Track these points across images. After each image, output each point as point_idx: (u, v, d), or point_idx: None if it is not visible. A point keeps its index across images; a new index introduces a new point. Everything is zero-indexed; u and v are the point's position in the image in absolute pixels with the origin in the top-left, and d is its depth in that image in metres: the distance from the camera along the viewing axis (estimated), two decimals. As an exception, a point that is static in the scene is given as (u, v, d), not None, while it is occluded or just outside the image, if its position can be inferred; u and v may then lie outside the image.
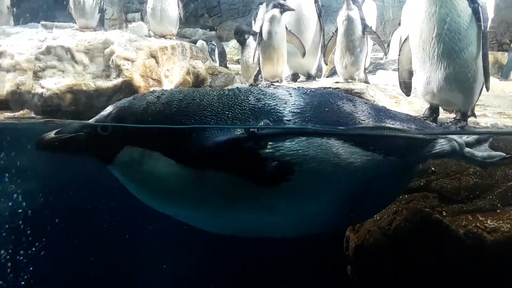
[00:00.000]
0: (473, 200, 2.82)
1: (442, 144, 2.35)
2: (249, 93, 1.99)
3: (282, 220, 2.03)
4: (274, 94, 2.00)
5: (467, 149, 2.42)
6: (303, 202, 1.98)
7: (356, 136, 1.99)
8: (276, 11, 4.77)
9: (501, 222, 2.58)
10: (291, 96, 2.00)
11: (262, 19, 6.59)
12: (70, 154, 2.06)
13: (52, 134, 1.95)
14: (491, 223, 2.58)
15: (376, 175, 2.05)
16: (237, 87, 2.10)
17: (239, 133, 1.83)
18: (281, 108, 1.93)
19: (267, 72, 4.86)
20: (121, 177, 2.02)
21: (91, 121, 2.01)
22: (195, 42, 7.08)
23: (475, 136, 2.48)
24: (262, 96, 1.96)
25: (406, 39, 3.15)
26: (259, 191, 1.88)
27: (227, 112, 1.88)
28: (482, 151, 2.46)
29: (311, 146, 1.85)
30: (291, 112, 1.92)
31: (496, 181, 2.85)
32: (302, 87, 2.23)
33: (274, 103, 1.94)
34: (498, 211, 2.70)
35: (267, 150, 1.81)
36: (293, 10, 4.84)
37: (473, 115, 3.20)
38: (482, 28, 2.74)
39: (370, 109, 2.16)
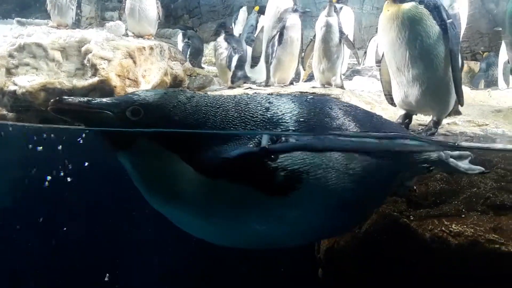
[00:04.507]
0: (439, 205, 2.90)
1: (429, 152, 2.44)
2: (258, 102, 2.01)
3: (289, 229, 2.04)
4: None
5: (451, 159, 2.51)
6: (309, 210, 2.00)
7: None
8: (296, 18, 4.78)
9: (465, 226, 2.67)
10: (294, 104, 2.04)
11: (247, 24, 6.56)
12: (79, 123, 1.92)
13: (75, 100, 1.81)
14: (456, 228, 2.66)
15: (374, 180, 2.12)
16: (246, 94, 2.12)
17: (254, 144, 1.85)
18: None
19: (278, 77, 4.92)
20: (130, 166, 1.94)
21: (114, 101, 1.89)
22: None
23: (457, 153, 2.57)
24: (269, 105, 1.99)
25: (383, 55, 3.25)
26: (269, 201, 1.90)
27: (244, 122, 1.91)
28: (464, 164, 2.56)
29: (316, 154, 1.90)
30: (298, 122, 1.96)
31: (461, 187, 2.94)
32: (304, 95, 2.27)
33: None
34: (463, 216, 2.79)
35: (279, 160, 1.83)
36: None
37: (458, 112, 3.51)
38: (452, 46, 2.84)
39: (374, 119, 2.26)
